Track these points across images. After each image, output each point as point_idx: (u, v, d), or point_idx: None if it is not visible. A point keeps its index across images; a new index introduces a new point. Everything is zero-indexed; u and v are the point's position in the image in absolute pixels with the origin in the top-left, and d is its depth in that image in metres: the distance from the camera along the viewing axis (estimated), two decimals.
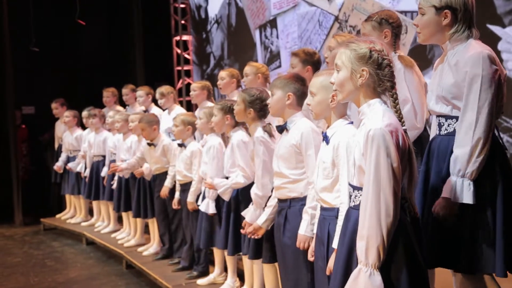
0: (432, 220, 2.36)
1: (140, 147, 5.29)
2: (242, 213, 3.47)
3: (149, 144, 4.95)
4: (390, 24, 2.99)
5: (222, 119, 3.72)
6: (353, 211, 2.08)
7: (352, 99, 2.11)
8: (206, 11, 8.54)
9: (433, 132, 2.58)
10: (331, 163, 2.43)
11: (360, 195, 2.03)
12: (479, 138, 2.25)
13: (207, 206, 3.95)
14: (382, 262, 1.90)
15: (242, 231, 3.35)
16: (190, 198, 4.37)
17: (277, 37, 7.10)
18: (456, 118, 2.37)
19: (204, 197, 4.09)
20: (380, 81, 2.02)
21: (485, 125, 2.25)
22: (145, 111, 5.90)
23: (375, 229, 1.88)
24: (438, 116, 2.47)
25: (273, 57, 7.22)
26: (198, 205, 4.22)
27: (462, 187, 2.26)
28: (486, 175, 2.29)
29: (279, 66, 7.10)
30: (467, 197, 2.26)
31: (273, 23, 7.14)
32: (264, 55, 7.41)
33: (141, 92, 6.09)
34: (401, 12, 4.89)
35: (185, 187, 4.51)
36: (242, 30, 7.63)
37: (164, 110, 5.71)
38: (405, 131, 2.01)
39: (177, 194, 4.67)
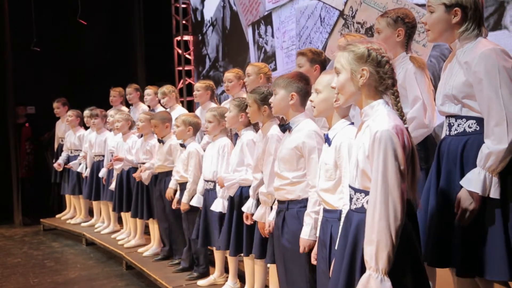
0: (445, 221, 2.31)
1: (143, 148, 5.26)
2: (242, 208, 3.46)
3: (159, 141, 4.93)
4: (405, 24, 2.95)
5: (236, 116, 3.67)
6: (354, 214, 2.05)
7: (354, 101, 2.09)
8: (202, 13, 8.53)
9: (443, 133, 2.54)
10: (334, 165, 2.41)
11: (362, 197, 2.01)
12: None
13: (223, 206, 3.90)
14: (390, 267, 1.87)
15: (263, 233, 3.30)
16: (185, 199, 4.34)
17: (272, 35, 6.53)
18: (466, 117, 2.33)
19: (205, 198, 4.06)
20: (381, 79, 2.00)
21: None
22: (150, 111, 5.89)
23: (385, 234, 1.85)
24: (447, 116, 2.43)
25: (268, 58, 6.69)
26: (192, 205, 4.23)
27: (491, 182, 2.22)
28: (508, 171, 2.24)
29: (275, 69, 6.53)
30: (494, 193, 2.22)
31: (267, 19, 6.58)
32: (258, 56, 6.93)
33: (149, 91, 6.14)
34: (420, 5, 4.55)
35: (182, 187, 4.50)
36: (236, 33, 7.59)
37: (166, 109, 5.71)
38: (406, 129, 1.98)
39: (177, 194, 4.65)
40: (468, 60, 2.28)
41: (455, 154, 2.35)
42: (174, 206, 4.63)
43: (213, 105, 5.14)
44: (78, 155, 6.96)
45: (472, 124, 2.32)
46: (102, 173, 6.22)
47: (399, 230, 1.87)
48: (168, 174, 4.78)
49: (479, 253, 2.24)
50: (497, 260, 2.20)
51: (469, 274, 2.33)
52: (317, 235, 2.57)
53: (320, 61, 3.62)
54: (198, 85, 5.32)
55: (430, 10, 2.39)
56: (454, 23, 2.34)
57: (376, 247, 1.85)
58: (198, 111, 5.38)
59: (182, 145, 4.53)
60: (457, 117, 2.37)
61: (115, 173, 5.81)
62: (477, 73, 2.24)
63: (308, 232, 2.66)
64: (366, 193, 1.98)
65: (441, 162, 2.43)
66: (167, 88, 5.74)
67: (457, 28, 2.34)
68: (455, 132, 2.38)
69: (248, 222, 3.46)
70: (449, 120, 2.42)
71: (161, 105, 6.00)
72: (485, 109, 2.24)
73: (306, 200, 2.78)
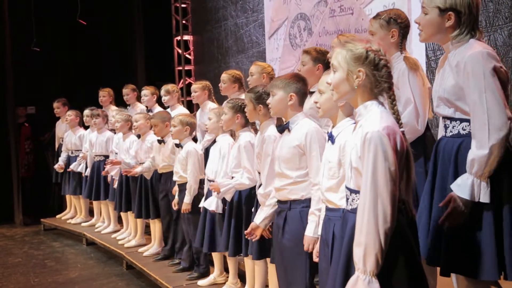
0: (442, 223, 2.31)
1: (144, 146, 5.25)
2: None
3: (159, 141, 4.92)
4: (398, 24, 2.96)
5: (232, 118, 3.68)
6: (350, 215, 2.05)
7: (348, 99, 2.08)
8: (205, 11, 8.53)
9: (440, 133, 2.55)
10: (337, 163, 2.39)
11: (357, 198, 1.99)
12: (495, 140, 2.18)
13: (216, 205, 3.89)
14: (380, 269, 1.86)
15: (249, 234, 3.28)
16: (187, 199, 4.33)
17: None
18: (460, 120, 2.34)
19: (207, 197, 4.04)
20: (377, 82, 1.99)
21: (498, 124, 2.19)
22: (148, 111, 5.89)
23: (373, 236, 1.84)
24: (443, 118, 2.44)
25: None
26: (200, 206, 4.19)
27: (479, 187, 2.22)
28: (504, 174, 2.24)
29: None
30: (484, 197, 2.22)
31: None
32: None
33: (146, 91, 6.13)
34: None
35: (182, 187, 4.49)
36: (240, 31, 7.59)
37: (166, 108, 5.71)
38: (403, 132, 1.98)
39: (175, 195, 4.64)
40: (458, 63, 2.28)
41: (449, 155, 2.36)
42: (174, 207, 4.63)
43: (211, 104, 5.15)
44: (78, 155, 6.96)
45: (465, 126, 2.32)
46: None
47: (389, 231, 1.86)
48: (173, 173, 4.77)
49: (469, 254, 2.24)
50: (487, 260, 2.20)
51: (451, 272, 2.35)
52: (319, 233, 2.57)
53: (324, 61, 3.61)
54: (195, 86, 5.32)
55: (424, 12, 2.38)
56: (447, 26, 2.33)
57: (364, 249, 1.85)
58: (198, 112, 5.39)
59: (179, 145, 4.53)
60: (451, 119, 2.38)
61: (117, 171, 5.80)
62: (465, 75, 2.25)
63: (313, 229, 2.67)
64: None
65: (437, 163, 2.44)
66: (171, 87, 5.75)
67: (450, 32, 2.33)
68: (450, 133, 2.39)
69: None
70: (445, 122, 2.43)
71: (160, 105, 6.00)
72: (471, 112, 2.25)
73: (308, 200, 2.78)
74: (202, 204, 4.10)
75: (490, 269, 2.20)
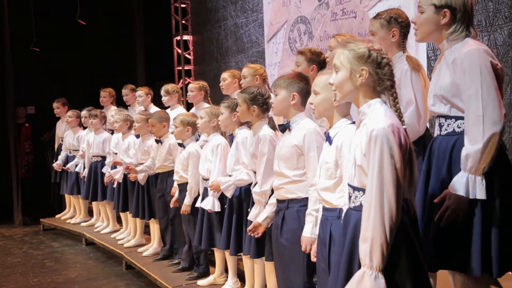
0: (434, 221, 2.32)
1: (144, 147, 5.25)
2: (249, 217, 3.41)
3: (156, 141, 4.92)
4: (399, 23, 2.97)
5: (229, 117, 3.70)
6: (353, 212, 2.06)
7: (351, 99, 2.10)
8: (205, 11, 8.53)
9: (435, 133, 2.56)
10: (334, 164, 2.41)
11: (360, 196, 2.01)
12: (490, 134, 2.20)
13: (213, 204, 3.90)
14: (385, 265, 1.87)
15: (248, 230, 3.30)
16: (187, 200, 4.33)
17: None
18: (455, 117, 2.35)
19: (204, 197, 4.05)
20: (380, 80, 2.01)
21: (493, 118, 2.20)
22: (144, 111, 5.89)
23: (379, 231, 1.86)
24: (438, 116, 2.46)
25: None
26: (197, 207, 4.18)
27: (474, 184, 2.23)
28: (496, 171, 2.25)
29: None
30: (480, 193, 2.22)
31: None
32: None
33: (141, 92, 6.15)
34: None
35: (181, 187, 4.49)
36: (239, 31, 7.59)
37: (166, 108, 5.70)
38: (405, 130, 1.99)
39: (176, 194, 4.64)
40: (454, 60, 2.31)
41: (444, 153, 2.38)
42: (172, 205, 4.63)
43: (206, 105, 5.15)
44: (76, 155, 6.96)
45: (461, 124, 2.34)
46: (105, 171, 6.18)
47: (394, 228, 1.87)
48: (170, 174, 4.76)
49: (459, 249, 2.25)
50: (474, 257, 2.21)
51: (440, 268, 2.36)
52: (317, 233, 2.57)
53: (318, 61, 3.63)
54: (192, 86, 5.33)
55: (420, 11, 2.42)
56: (442, 24, 2.36)
57: (370, 245, 1.86)
58: (192, 112, 5.38)
59: (181, 145, 4.53)
60: (446, 117, 2.39)
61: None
62: (462, 72, 2.27)
63: (310, 230, 2.67)
64: (365, 191, 1.98)
65: (431, 162, 2.45)
66: (171, 87, 5.74)
67: (446, 29, 2.37)
68: (445, 132, 2.41)
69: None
70: (439, 120, 2.45)
71: (158, 105, 5.99)
72: (466, 108, 2.26)
73: (306, 199, 2.79)
74: (199, 204, 4.10)
75: (476, 265, 2.22)
